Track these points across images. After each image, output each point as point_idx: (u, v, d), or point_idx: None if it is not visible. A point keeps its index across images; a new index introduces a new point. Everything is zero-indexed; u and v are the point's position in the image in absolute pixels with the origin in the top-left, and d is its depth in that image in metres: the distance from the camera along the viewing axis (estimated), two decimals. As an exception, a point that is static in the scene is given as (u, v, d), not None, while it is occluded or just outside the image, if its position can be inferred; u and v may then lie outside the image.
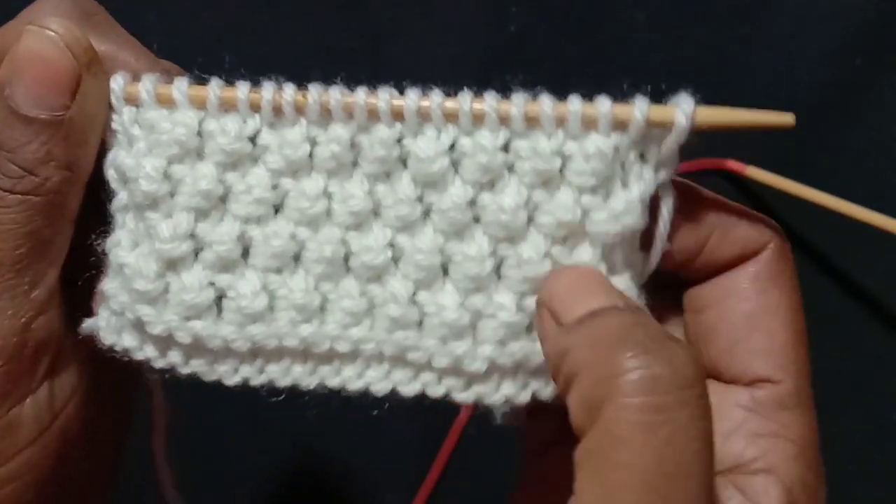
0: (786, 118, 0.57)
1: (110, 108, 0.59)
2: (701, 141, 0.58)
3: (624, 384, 0.48)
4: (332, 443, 1.11)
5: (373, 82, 0.57)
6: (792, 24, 1.12)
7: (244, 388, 0.63)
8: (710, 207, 0.59)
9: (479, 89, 0.58)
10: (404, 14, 1.14)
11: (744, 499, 0.56)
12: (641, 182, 0.57)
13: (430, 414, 1.07)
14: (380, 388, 0.60)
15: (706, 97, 0.58)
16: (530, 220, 0.58)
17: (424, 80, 1.01)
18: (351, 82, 0.59)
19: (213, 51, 0.62)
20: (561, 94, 0.58)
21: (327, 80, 0.59)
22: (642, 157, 0.57)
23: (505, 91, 0.58)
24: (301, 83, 0.59)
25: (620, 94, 0.57)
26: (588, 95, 0.57)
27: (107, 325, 0.61)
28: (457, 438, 1.10)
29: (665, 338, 0.50)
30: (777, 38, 1.12)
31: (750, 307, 0.59)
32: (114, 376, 0.65)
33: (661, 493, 0.47)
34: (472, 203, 0.58)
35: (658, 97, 0.58)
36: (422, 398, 0.61)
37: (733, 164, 1.09)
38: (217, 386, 0.63)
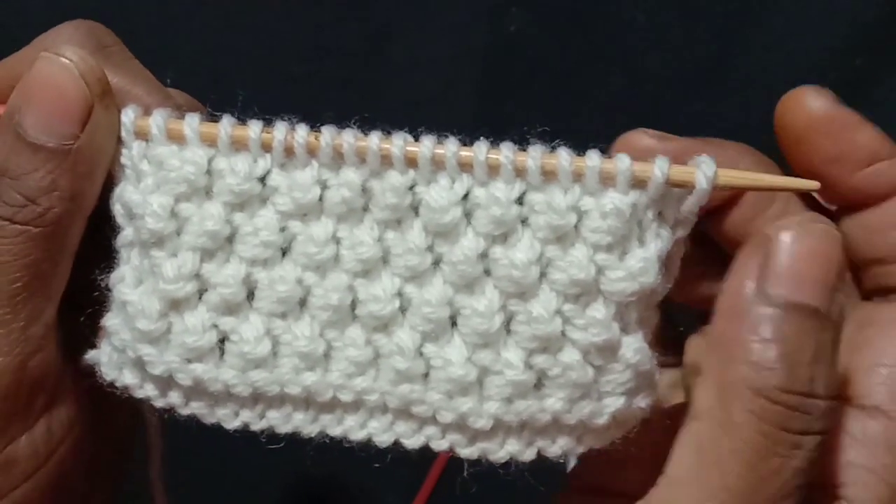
0: (810, 184, 0.55)
1: (119, 141, 0.58)
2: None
3: (764, 407, 0.51)
4: (332, 443, 1.11)
5: (373, 82, 0.56)
6: (792, 24, 1.11)
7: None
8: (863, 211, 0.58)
9: (485, 106, 0.57)
10: (404, 14, 1.13)
11: None
12: (658, 240, 0.56)
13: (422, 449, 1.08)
14: (383, 439, 0.59)
15: (706, 97, 0.58)
16: (542, 275, 0.56)
17: (424, 80, 1.00)
18: (351, 82, 0.58)
19: (213, 51, 0.60)
20: (562, 94, 0.57)
21: (328, 79, 0.57)
22: (660, 216, 0.56)
23: (521, 137, 0.57)
24: (302, 83, 0.58)
25: (625, 102, 0.56)
26: (589, 95, 0.56)
27: (108, 361, 0.60)
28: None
29: (826, 379, 0.51)
30: (777, 38, 1.12)
31: (883, 333, 0.58)
32: (113, 409, 0.64)
33: None
34: (484, 256, 0.56)
35: (657, 99, 0.57)
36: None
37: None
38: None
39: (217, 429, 0.63)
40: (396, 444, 0.60)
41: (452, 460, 1.10)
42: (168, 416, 0.68)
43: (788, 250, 0.52)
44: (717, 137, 0.58)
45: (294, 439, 1.09)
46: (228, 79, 0.57)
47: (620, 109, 0.56)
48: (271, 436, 0.61)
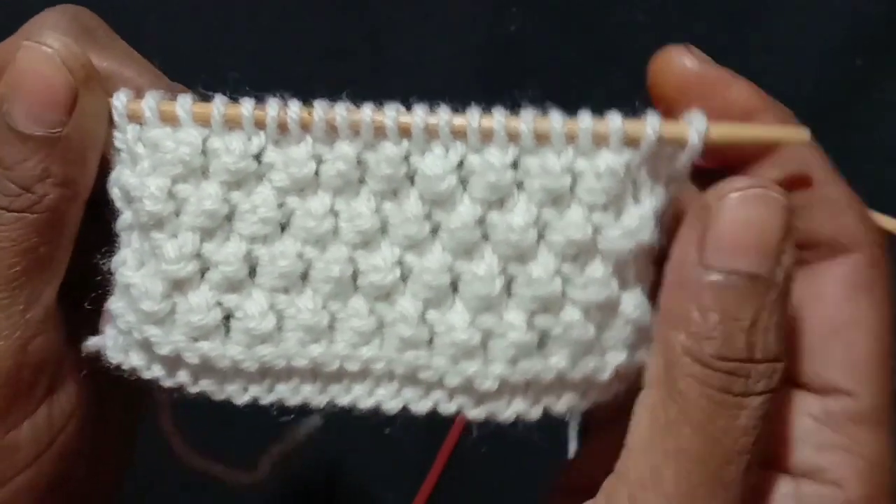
0: (800, 134, 0.56)
1: (112, 125, 0.59)
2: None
3: (704, 372, 0.53)
4: (332, 443, 1.10)
5: (373, 82, 0.56)
6: (792, 24, 1.11)
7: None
8: (831, 181, 0.58)
9: (486, 104, 0.58)
10: (404, 14, 1.13)
11: None
12: (653, 198, 0.56)
13: (430, 414, 1.08)
14: (391, 406, 0.60)
15: None
16: (540, 237, 0.57)
17: (424, 80, 1.00)
18: (351, 82, 0.58)
19: (214, 51, 0.61)
20: (562, 94, 0.57)
21: (327, 79, 0.58)
22: (654, 173, 0.57)
23: (512, 102, 0.57)
24: (302, 83, 0.58)
25: (625, 102, 0.57)
26: (589, 95, 0.56)
27: (114, 344, 0.61)
28: (457, 438, 1.09)
29: (764, 344, 0.53)
30: (777, 38, 1.12)
31: (836, 314, 0.57)
32: (116, 394, 0.65)
33: (710, 468, 0.52)
34: (481, 221, 0.57)
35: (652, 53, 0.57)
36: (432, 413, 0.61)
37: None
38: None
39: (216, 427, 0.63)
40: (405, 411, 0.60)
41: (453, 460, 1.10)
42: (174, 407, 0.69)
43: (725, 217, 0.52)
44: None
45: (294, 440, 1.09)
46: (228, 78, 0.57)
47: (620, 109, 0.56)
48: (281, 409, 0.61)
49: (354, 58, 1.11)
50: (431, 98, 0.58)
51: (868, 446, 0.56)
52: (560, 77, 1.12)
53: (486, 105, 0.58)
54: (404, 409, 0.60)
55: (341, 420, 0.62)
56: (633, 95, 0.57)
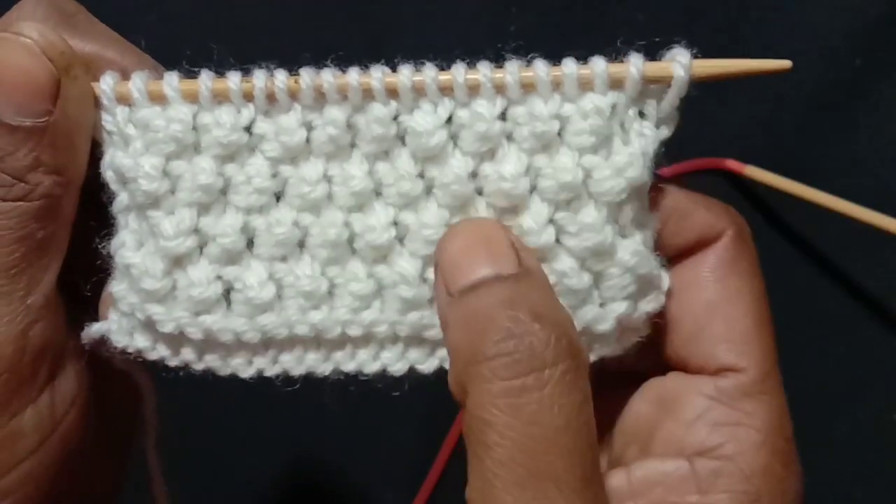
0: (783, 63, 0.56)
1: (99, 108, 0.59)
2: (700, 140, 0.57)
3: (485, 370, 0.51)
4: (332, 443, 1.10)
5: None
6: (792, 24, 1.10)
7: (241, 391, 0.63)
8: (664, 195, 0.59)
9: (471, 61, 0.58)
10: (404, 14, 1.13)
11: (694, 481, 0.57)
12: (642, 138, 0.57)
13: (429, 414, 1.08)
14: (396, 368, 0.60)
15: (706, 98, 0.58)
16: (532, 188, 0.57)
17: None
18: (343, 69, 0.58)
19: (214, 50, 0.61)
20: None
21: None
22: (642, 115, 0.57)
23: (498, 60, 0.58)
24: (292, 69, 0.58)
25: (615, 54, 0.57)
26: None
27: (118, 328, 0.61)
28: (457, 438, 1.10)
29: (532, 317, 0.51)
30: (777, 38, 1.11)
31: (710, 295, 0.59)
32: (118, 382, 0.65)
33: (531, 468, 0.49)
34: (474, 175, 0.57)
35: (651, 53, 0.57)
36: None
37: (732, 164, 1.08)
38: (214, 388, 0.63)
39: (215, 428, 0.63)
40: (412, 371, 0.61)
41: (453, 460, 1.10)
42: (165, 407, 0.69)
43: (447, 250, 0.55)
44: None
45: (294, 440, 1.09)
46: (218, 70, 0.58)
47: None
48: (287, 379, 0.61)
49: (354, 58, 1.08)
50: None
51: (759, 416, 0.58)
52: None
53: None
54: (411, 370, 0.61)
55: (342, 420, 0.62)
56: (626, 54, 0.57)
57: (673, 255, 0.60)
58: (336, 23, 1.12)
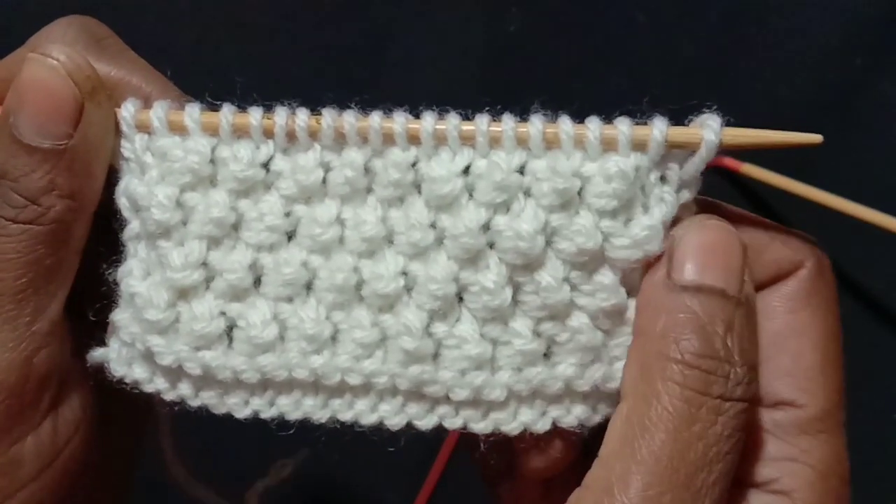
0: (813, 137, 0.56)
1: (119, 135, 0.58)
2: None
3: (676, 370, 0.53)
4: (333, 443, 1.10)
5: (373, 82, 0.56)
6: (792, 24, 1.12)
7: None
8: (739, 227, 0.58)
9: (485, 104, 0.57)
10: (404, 14, 1.13)
11: None
12: (663, 205, 0.56)
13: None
14: (394, 422, 0.59)
15: (706, 97, 0.58)
16: (548, 244, 0.56)
17: (424, 80, 1.00)
18: (352, 82, 0.58)
19: (214, 51, 0.60)
20: (562, 94, 0.57)
21: (328, 79, 0.57)
22: (663, 179, 0.57)
23: (513, 103, 0.57)
24: (302, 83, 0.58)
25: (625, 102, 0.57)
26: (589, 95, 0.56)
27: (117, 357, 0.60)
28: (456, 439, 1.09)
29: (740, 348, 0.54)
30: (777, 38, 1.12)
31: (778, 327, 0.58)
32: (121, 406, 0.64)
33: (680, 475, 0.52)
34: (486, 228, 0.56)
35: (657, 99, 0.57)
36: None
37: (729, 162, 1.09)
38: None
39: (214, 429, 0.63)
40: (409, 427, 0.60)
41: (453, 460, 1.09)
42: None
43: (689, 242, 0.55)
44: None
45: (294, 440, 1.09)
46: (228, 79, 0.57)
47: (620, 109, 0.56)
48: (282, 423, 0.61)
49: (355, 58, 1.11)
50: (432, 98, 0.58)
51: (816, 454, 0.57)
52: (560, 77, 1.13)
53: (486, 105, 0.58)
54: (408, 426, 0.60)
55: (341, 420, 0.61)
56: (632, 95, 0.57)
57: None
58: (336, 22, 1.13)
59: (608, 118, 0.56)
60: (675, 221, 0.57)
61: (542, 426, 0.59)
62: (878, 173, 1.10)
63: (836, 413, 0.58)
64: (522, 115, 0.57)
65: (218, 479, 0.75)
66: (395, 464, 1.11)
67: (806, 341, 0.58)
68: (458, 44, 1.14)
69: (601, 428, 0.57)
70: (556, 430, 0.60)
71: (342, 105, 0.58)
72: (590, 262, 0.56)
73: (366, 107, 0.58)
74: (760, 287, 0.59)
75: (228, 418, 0.60)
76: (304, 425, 0.61)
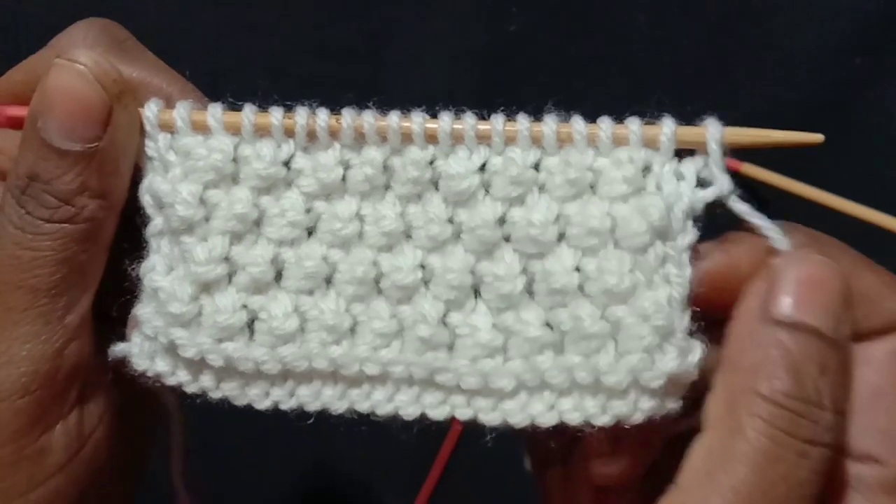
0: (815, 137, 0.57)
1: (143, 134, 0.60)
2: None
3: (771, 412, 0.52)
4: (333, 443, 1.11)
5: (373, 81, 0.57)
6: (792, 23, 1.12)
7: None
8: (854, 278, 0.57)
9: (486, 104, 0.59)
10: (404, 14, 1.14)
11: None
12: (674, 191, 0.58)
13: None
14: (409, 412, 0.61)
15: (706, 97, 0.59)
16: (560, 235, 0.58)
17: (424, 80, 1.00)
18: (352, 81, 0.59)
19: (214, 51, 0.61)
20: (562, 94, 0.58)
21: (328, 79, 0.58)
22: (679, 178, 0.58)
23: (514, 102, 0.59)
24: (303, 83, 0.59)
25: (625, 102, 0.58)
26: (589, 95, 0.58)
27: (140, 351, 0.61)
28: (457, 438, 1.10)
29: (832, 393, 0.53)
30: (777, 38, 1.12)
31: (879, 380, 0.58)
32: (137, 400, 0.66)
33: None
34: (502, 221, 0.58)
35: (657, 99, 0.58)
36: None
37: (729, 162, 1.09)
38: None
39: (215, 429, 0.63)
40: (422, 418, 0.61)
41: (453, 461, 1.10)
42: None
43: (791, 276, 0.54)
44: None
45: (294, 441, 1.09)
46: (229, 79, 0.58)
47: (620, 109, 0.57)
48: (300, 414, 0.62)
49: (355, 57, 1.12)
50: (432, 97, 0.60)
51: None
52: (560, 77, 1.14)
53: (486, 105, 0.59)
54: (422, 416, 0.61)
55: (342, 420, 0.62)
56: (632, 95, 0.58)
57: (858, 337, 0.58)
58: (336, 22, 1.13)
59: (614, 118, 0.58)
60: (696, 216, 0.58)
61: (549, 419, 0.59)
62: (878, 173, 1.10)
63: None
64: (525, 114, 0.59)
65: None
66: (395, 464, 1.12)
67: None
68: (458, 44, 1.14)
69: (672, 448, 0.58)
70: (627, 444, 0.61)
71: (348, 104, 0.60)
72: (599, 247, 0.58)
73: (361, 98, 0.59)
74: (870, 335, 0.58)
75: (211, 434, 0.60)
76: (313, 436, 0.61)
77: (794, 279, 0.54)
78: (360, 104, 0.60)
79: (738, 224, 0.59)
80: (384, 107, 0.59)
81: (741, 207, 0.59)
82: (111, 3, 0.62)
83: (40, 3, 1.09)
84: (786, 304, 0.53)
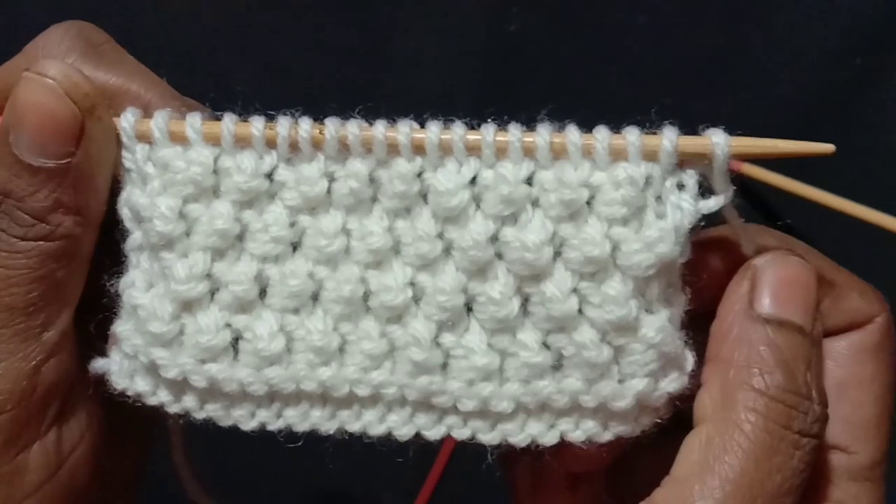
0: (826, 147, 0.56)
1: (121, 146, 0.58)
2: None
3: (767, 406, 0.54)
4: (333, 443, 1.10)
5: (373, 82, 0.55)
6: (792, 24, 1.12)
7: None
8: (821, 274, 0.59)
9: (486, 104, 0.57)
10: (404, 14, 1.13)
11: None
12: (679, 211, 0.55)
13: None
14: (403, 433, 0.59)
15: (706, 98, 0.57)
16: (556, 255, 0.55)
17: (424, 80, 0.99)
18: (352, 82, 0.57)
19: (215, 50, 0.60)
20: (562, 94, 0.56)
21: (328, 79, 0.57)
22: (680, 187, 0.56)
23: (515, 107, 0.57)
24: (302, 83, 0.57)
25: (625, 102, 0.56)
26: (588, 95, 0.56)
27: (119, 369, 0.59)
28: (455, 441, 1.10)
29: (817, 386, 0.55)
30: (777, 38, 1.13)
31: (842, 374, 0.60)
32: (127, 417, 0.63)
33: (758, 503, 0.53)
34: (494, 239, 0.56)
35: (657, 99, 0.57)
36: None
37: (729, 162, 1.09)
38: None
39: (211, 424, 0.62)
40: (417, 437, 0.59)
41: (453, 461, 1.09)
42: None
43: (772, 276, 0.56)
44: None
45: (294, 441, 1.09)
46: (229, 79, 0.56)
47: (620, 109, 0.55)
48: (289, 434, 0.60)
49: (355, 57, 1.11)
50: (432, 97, 0.58)
51: (863, 502, 0.59)
52: (560, 77, 1.13)
53: (486, 106, 0.57)
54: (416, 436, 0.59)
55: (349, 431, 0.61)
56: (632, 95, 0.57)
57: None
58: (336, 22, 1.13)
59: (609, 119, 0.56)
60: (696, 232, 0.56)
61: (550, 439, 0.58)
62: (878, 173, 1.10)
63: (882, 464, 0.60)
64: (525, 117, 0.56)
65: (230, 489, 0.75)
66: (395, 464, 1.10)
67: (868, 393, 0.60)
68: (459, 44, 1.14)
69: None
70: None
71: (345, 107, 0.58)
72: (599, 272, 0.55)
73: (366, 107, 0.57)
74: (833, 332, 0.61)
75: (211, 434, 0.60)
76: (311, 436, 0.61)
77: (776, 279, 0.56)
78: (360, 104, 0.58)
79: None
80: (384, 107, 0.57)
81: (730, 212, 0.58)
82: (111, 4, 0.60)
83: (40, 4, 1.07)
84: (770, 303, 0.56)
